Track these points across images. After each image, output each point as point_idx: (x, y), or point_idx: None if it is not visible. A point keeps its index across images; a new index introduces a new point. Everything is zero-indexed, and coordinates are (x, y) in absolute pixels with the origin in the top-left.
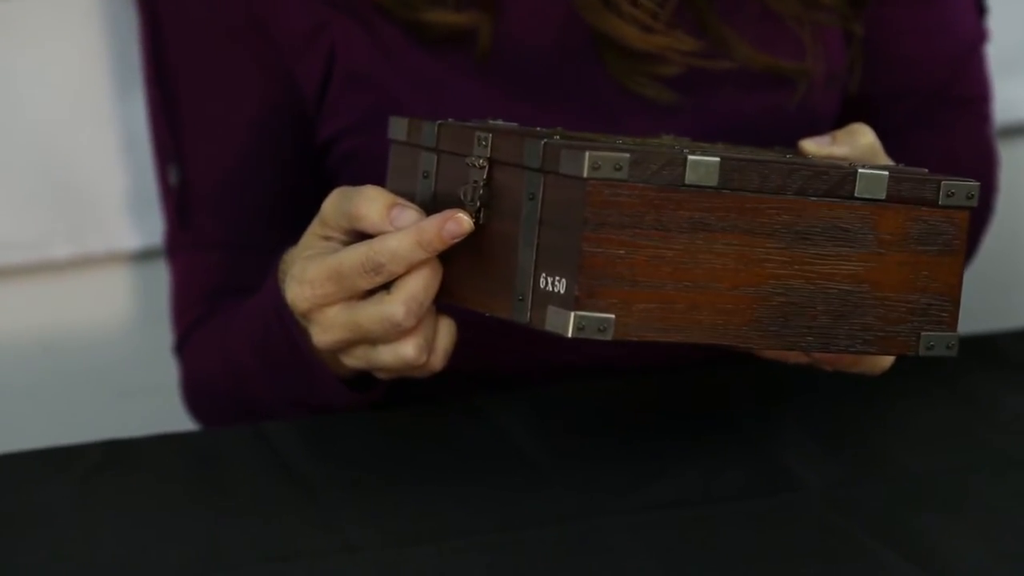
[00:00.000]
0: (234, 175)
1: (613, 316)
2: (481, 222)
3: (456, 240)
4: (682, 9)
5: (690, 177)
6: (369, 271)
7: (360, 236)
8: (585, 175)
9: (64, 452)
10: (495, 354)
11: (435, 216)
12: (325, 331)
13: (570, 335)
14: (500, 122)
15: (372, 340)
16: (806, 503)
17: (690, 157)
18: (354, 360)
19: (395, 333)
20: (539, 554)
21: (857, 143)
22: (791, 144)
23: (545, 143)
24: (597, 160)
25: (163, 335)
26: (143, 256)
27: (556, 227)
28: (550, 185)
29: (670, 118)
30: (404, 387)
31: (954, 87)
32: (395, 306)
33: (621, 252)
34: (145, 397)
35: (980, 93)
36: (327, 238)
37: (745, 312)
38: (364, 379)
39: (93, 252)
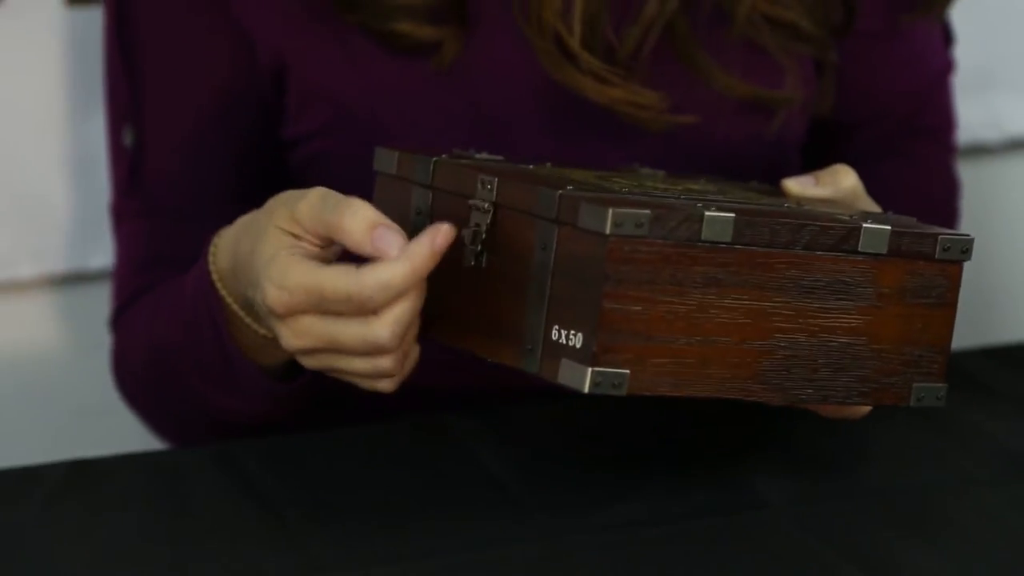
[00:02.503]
0: (192, 140)
1: (628, 371)
2: (483, 266)
3: (444, 250)
4: (663, 43)
5: (706, 233)
6: (354, 306)
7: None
8: (608, 232)
9: (26, 473)
10: (458, 374)
11: (420, 239)
12: (297, 336)
13: (586, 391)
14: (486, 155)
15: (345, 353)
16: (769, 521)
17: (707, 214)
18: (316, 363)
19: (374, 351)
20: (505, 574)
21: (840, 185)
22: (764, 171)
23: (561, 194)
24: (620, 217)
25: None
26: (106, 276)
27: (571, 279)
28: (565, 237)
29: (640, 140)
30: (363, 405)
31: (920, 116)
32: (381, 330)
33: (638, 308)
34: (106, 417)
35: (945, 122)
36: (297, 237)
37: (751, 365)
38: (290, 368)
39: (56, 272)
